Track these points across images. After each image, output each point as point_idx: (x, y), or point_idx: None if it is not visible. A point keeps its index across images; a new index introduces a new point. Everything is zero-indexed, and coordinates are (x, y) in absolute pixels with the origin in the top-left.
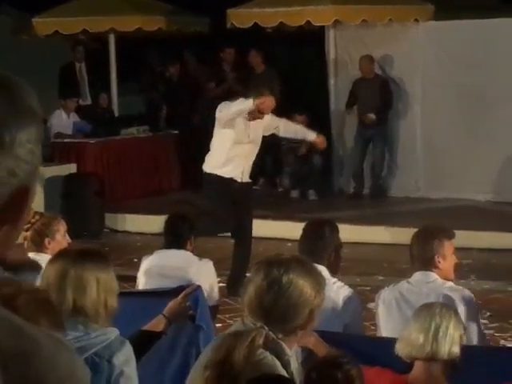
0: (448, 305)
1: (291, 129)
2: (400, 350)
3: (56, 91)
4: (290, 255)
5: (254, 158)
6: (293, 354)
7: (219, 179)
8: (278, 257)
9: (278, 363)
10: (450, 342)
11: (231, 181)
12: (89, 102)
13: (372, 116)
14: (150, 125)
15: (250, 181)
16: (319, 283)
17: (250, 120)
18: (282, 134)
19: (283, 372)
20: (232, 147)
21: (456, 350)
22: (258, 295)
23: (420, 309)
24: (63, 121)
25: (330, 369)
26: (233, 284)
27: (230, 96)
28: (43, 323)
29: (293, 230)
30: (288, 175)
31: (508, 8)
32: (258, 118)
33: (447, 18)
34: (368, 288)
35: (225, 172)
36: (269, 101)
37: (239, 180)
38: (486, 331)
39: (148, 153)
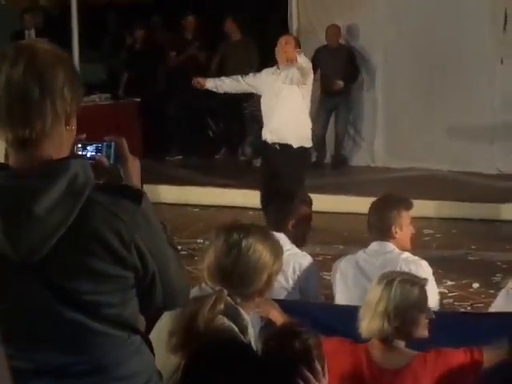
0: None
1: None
2: (362, 330)
3: None
4: (250, 222)
5: None
6: (250, 319)
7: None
8: (238, 222)
9: (235, 328)
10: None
11: None
12: None
13: (340, 83)
14: (111, 92)
15: None
16: (277, 249)
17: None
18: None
19: (241, 337)
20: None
21: (422, 321)
22: (217, 258)
23: (378, 281)
24: None
25: (288, 338)
26: None
27: (192, 64)
28: None
29: (254, 198)
30: (250, 144)
31: None
32: None
33: None
34: (329, 257)
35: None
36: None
37: None
38: (445, 300)
39: (109, 120)
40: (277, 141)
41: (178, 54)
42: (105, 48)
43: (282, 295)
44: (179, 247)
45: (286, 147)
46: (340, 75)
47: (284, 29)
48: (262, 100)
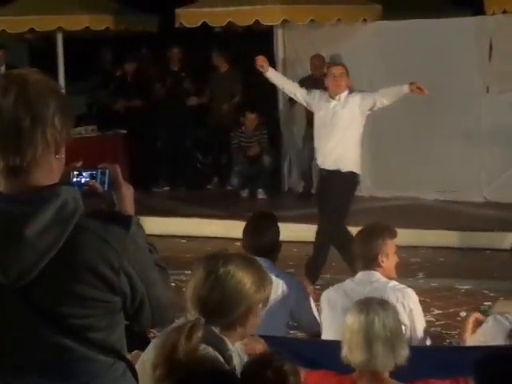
0: (385, 303)
1: (387, 97)
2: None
3: None
4: (236, 252)
5: None
6: (235, 349)
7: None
8: (221, 251)
9: (220, 358)
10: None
11: None
12: None
13: None
14: (98, 124)
15: None
16: (262, 279)
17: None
18: (379, 106)
19: (225, 366)
20: None
21: (406, 352)
22: (195, 287)
23: (356, 309)
24: None
25: (263, 366)
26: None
27: (177, 96)
28: None
29: (241, 229)
30: (237, 174)
31: (454, 9)
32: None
33: (395, 17)
34: (317, 287)
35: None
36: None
37: None
38: (432, 329)
39: (95, 152)
40: (328, 166)
41: (164, 85)
42: (93, 80)
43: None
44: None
45: (335, 172)
46: None
47: (270, 58)
48: (316, 124)
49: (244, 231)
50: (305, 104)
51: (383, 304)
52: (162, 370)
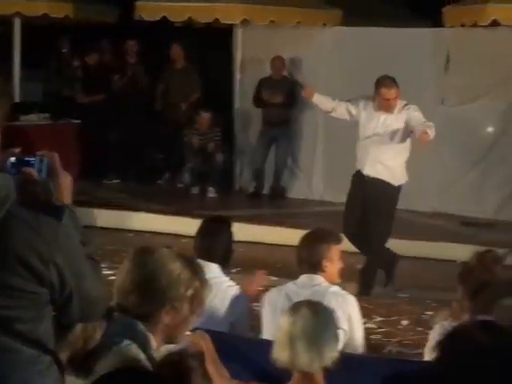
0: (315, 305)
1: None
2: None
3: None
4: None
5: None
6: (165, 348)
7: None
8: (151, 245)
9: (142, 356)
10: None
11: None
12: None
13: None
14: (52, 113)
15: None
16: (192, 276)
17: None
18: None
19: (145, 364)
20: None
21: (331, 354)
22: (121, 280)
23: (287, 310)
24: None
25: (170, 363)
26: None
27: (133, 88)
28: None
29: (189, 225)
30: (189, 171)
31: (415, 20)
32: None
33: (356, 24)
34: (260, 288)
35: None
36: None
37: None
38: (373, 336)
39: (47, 141)
40: (372, 174)
41: (121, 78)
42: (51, 68)
43: (209, 325)
44: (111, 272)
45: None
46: (282, 106)
47: (228, 57)
48: (361, 133)
49: (196, 234)
50: (353, 118)
51: (313, 306)
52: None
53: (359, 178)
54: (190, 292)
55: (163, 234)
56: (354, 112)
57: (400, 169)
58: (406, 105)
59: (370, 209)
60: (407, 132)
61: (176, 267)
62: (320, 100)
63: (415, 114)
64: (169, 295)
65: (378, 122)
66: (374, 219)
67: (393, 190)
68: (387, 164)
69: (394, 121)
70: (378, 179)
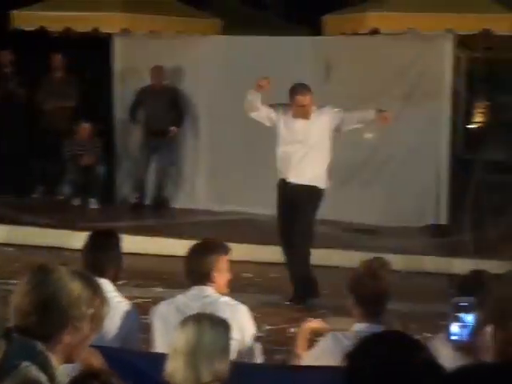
0: (200, 318)
1: (355, 120)
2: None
3: None
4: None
5: None
6: (62, 367)
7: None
8: (48, 263)
9: (43, 377)
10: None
11: None
12: None
13: (174, 129)
14: None
15: None
16: (91, 294)
17: None
18: (347, 128)
19: None
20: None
21: (222, 366)
22: (18, 298)
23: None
24: None
25: (87, 380)
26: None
27: (10, 100)
28: None
29: (71, 238)
30: (70, 183)
31: (297, 28)
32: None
33: (235, 33)
34: (148, 300)
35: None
36: None
37: None
38: (263, 344)
39: None
40: (295, 181)
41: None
42: None
43: (101, 341)
44: None
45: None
46: (163, 116)
47: (108, 67)
48: (281, 140)
49: (84, 249)
50: (271, 124)
51: (198, 318)
52: None
53: (284, 187)
54: (90, 311)
55: (46, 248)
56: (274, 118)
57: (323, 173)
58: (320, 108)
59: (295, 211)
60: (328, 135)
61: (76, 286)
62: (257, 96)
63: (339, 111)
64: (70, 315)
65: (297, 129)
66: (297, 219)
67: (317, 194)
68: (310, 170)
69: (312, 126)
70: (303, 185)
